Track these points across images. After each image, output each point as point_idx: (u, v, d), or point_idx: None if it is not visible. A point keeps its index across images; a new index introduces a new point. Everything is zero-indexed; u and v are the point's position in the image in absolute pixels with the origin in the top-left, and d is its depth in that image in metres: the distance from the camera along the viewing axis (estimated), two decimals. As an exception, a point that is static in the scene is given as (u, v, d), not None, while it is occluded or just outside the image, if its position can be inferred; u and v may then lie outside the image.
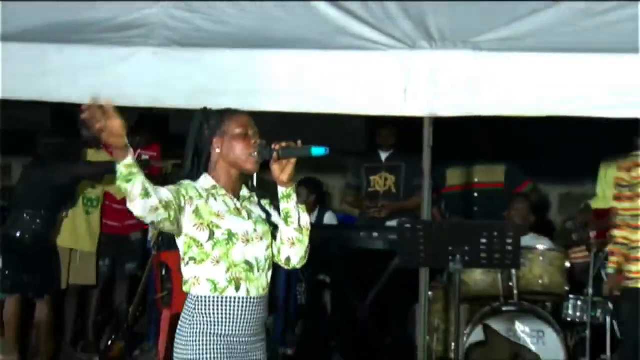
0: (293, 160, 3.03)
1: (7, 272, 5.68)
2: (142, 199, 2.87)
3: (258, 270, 3.11)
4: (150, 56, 4.71)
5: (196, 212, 3.06)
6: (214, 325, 3.06)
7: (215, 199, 3.08)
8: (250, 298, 3.10)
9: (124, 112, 2.79)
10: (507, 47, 4.48)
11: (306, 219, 3.14)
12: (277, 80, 4.65)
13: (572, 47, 4.39)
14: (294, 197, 3.10)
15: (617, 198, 4.88)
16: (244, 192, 3.19)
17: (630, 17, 4.47)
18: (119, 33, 4.85)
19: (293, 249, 3.15)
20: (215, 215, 3.07)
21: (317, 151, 2.99)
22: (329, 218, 6.72)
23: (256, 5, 4.92)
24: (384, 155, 6.35)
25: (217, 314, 3.07)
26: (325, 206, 6.97)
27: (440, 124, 4.65)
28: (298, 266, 3.21)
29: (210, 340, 3.07)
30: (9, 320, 5.79)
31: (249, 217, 3.11)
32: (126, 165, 2.83)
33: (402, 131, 6.21)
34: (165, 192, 2.97)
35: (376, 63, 4.61)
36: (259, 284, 3.11)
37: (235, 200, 3.13)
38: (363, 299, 5.77)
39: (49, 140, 5.95)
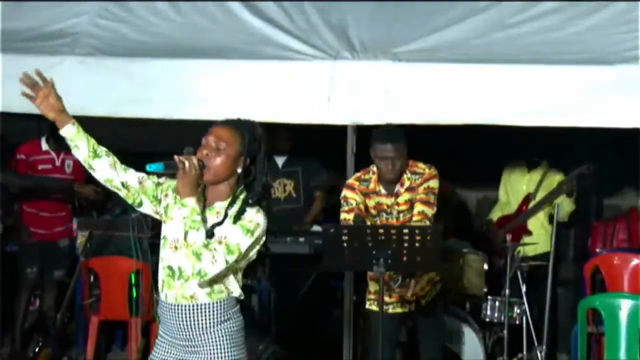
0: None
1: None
2: (92, 160, 3.17)
3: (179, 279, 3.15)
4: (76, 65, 4.74)
5: (165, 210, 3.23)
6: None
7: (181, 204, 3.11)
8: (169, 304, 3.17)
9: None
10: (425, 57, 4.63)
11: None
12: (203, 89, 4.72)
13: (485, 58, 4.57)
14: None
15: None
16: (221, 204, 3.18)
17: (540, 30, 4.68)
18: (46, 42, 4.86)
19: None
20: (169, 218, 3.20)
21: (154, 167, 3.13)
22: None
23: (182, 15, 4.99)
24: (280, 161, 6.42)
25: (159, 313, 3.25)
26: None
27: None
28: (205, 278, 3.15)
29: (158, 340, 3.26)
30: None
31: (196, 227, 3.06)
32: (67, 133, 3.11)
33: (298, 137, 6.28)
34: (133, 176, 3.23)
35: (301, 72, 4.72)
36: (179, 292, 3.15)
37: (200, 208, 3.13)
38: (291, 301, 5.85)
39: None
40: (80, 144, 3.21)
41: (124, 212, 6.04)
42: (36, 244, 6.35)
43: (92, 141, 3.22)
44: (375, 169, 4.61)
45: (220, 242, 3.08)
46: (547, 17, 4.73)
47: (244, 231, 3.10)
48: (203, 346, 3.18)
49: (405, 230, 4.16)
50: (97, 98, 4.74)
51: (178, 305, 3.16)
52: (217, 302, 3.17)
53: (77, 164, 6.44)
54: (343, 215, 4.56)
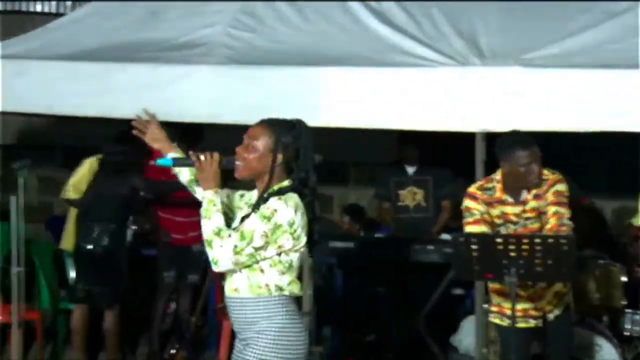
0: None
1: (79, 284, 5.86)
2: (195, 184, 3.36)
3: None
4: (208, 74, 4.86)
5: None
6: None
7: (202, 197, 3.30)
8: (226, 297, 3.28)
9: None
10: (557, 63, 4.51)
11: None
12: (330, 96, 4.75)
13: (620, 64, 4.41)
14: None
15: None
16: (252, 197, 3.33)
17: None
18: (180, 52, 5.02)
19: None
20: None
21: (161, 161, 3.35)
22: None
23: (311, 23, 5.04)
24: (410, 170, 6.36)
25: None
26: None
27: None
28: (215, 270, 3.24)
29: None
30: (77, 329, 5.96)
31: (208, 216, 3.22)
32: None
33: (430, 146, 6.20)
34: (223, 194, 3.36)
35: (428, 79, 4.69)
36: (228, 285, 3.25)
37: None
38: (418, 311, 5.81)
39: (113, 153, 6.08)
40: (183, 170, 3.41)
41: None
42: (173, 248, 6.52)
43: None
44: (498, 177, 4.46)
45: (236, 230, 3.17)
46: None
47: (260, 217, 3.14)
48: (249, 341, 3.22)
49: (538, 240, 4.06)
50: (227, 106, 4.85)
51: (229, 299, 3.25)
52: (258, 298, 3.20)
53: None
54: (469, 227, 4.42)
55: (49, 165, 7.83)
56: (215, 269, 3.18)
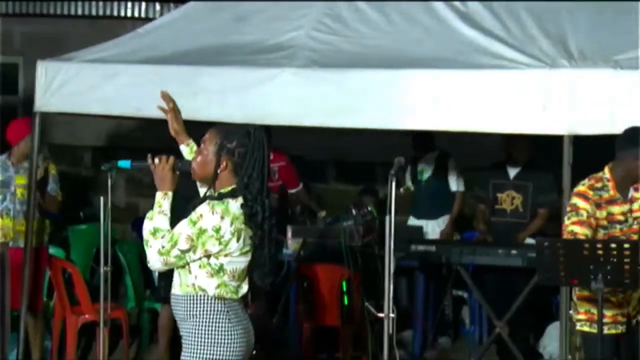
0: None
1: (163, 284, 5.96)
2: None
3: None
4: (292, 76, 4.88)
5: None
6: None
7: None
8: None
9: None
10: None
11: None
12: (415, 99, 4.72)
13: None
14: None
15: None
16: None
17: None
18: (265, 55, 5.06)
19: None
20: None
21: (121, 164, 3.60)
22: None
23: (395, 26, 5.03)
24: (512, 173, 6.27)
25: None
26: None
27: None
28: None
29: None
30: (163, 329, 6.07)
31: (149, 216, 3.35)
32: (182, 150, 3.64)
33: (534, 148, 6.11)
34: None
35: (515, 81, 4.62)
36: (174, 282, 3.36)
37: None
38: (500, 316, 5.73)
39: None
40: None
41: (336, 221, 6.16)
42: (273, 257, 6.56)
43: None
44: (607, 175, 4.36)
45: (170, 232, 3.27)
46: None
47: (188, 221, 3.26)
48: (183, 338, 3.33)
49: (627, 245, 3.96)
50: (311, 108, 4.87)
51: (172, 295, 3.38)
52: (186, 296, 3.30)
53: (282, 171, 6.63)
54: (572, 227, 4.32)
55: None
56: (150, 267, 3.33)
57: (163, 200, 3.34)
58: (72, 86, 5.29)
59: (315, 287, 5.98)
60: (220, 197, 3.29)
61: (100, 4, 8.58)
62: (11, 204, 5.85)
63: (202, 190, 3.51)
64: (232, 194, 3.29)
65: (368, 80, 4.78)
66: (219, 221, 3.23)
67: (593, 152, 4.30)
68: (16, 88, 9.10)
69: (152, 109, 5.09)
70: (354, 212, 6.03)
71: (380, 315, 4.31)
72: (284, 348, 6.56)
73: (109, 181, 4.17)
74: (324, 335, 6.48)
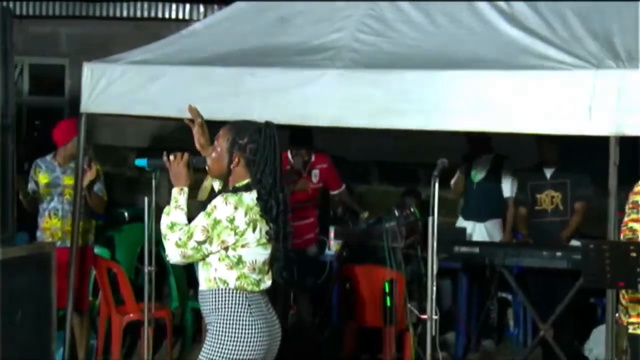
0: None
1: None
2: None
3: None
4: (336, 77, 4.88)
5: None
6: None
7: None
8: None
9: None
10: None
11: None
12: (458, 100, 4.69)
13: None
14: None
15: None
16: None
17: None
18: (308, 56, 5.06)
19: None
20: None
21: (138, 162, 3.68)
22: None
23: (439, 27, 5.00)
24: (548, 173, 6.23)
25: None
26: None
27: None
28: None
29: None
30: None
31: (166, 211, 3.46)
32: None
33: (566, 148, 6.06)
34: None
35: (560, 82, 4.57)
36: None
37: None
38: (545, 318, 5.68)
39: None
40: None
41: (378, 222, 6.15)
42: (289, 251, 6.58)
43: None
44: None
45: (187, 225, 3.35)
46: None
47: (203, 214, 3.34)
48: (208, 331, 3.40)
49: (674, 246, 3.90)
50: (355, 109, 4.86)
51: (199, 291, 3.45)
52: (210, 290, 3.37)
53: (323, 172, 6.64)
54: (631, 224, 4.24)
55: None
56: (169, 261, 3.40)
57: (179, 196, 3.43)
58: (117, 87, 5.35)
59: (358, 288, 5.97)
60: (235, 190, 3.38)
61: (145, 5, 8.66)
62: (59, 204, 5.93)
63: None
64: (246, 188, 3.38)
65: (411, 81, 4.76)
66: (233, 211, 3.31)
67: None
68: (63, 89, 9.23)
69: (195, 110, 5.17)
70: (396, 213, 6.01)
71: (423, 316, 4.30)
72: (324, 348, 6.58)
73: (153, 181, 4.21)
74: (367, 337, 6.48)
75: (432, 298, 4.21)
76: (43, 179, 5.97)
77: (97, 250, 6.33)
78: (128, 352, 6.35)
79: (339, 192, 6.95)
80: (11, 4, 8.57)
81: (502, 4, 5.02)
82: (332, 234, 6.55)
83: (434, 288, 4.23)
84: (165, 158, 3.52)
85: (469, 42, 4.90)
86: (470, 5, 5.06)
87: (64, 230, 5.87)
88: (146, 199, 4.60)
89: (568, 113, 4.56)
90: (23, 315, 4.47)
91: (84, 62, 5.49)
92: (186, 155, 3.50)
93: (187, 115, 4.95)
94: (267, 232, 3.36)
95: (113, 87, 5.35)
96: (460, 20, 5.01)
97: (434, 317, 4.19)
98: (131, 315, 6.00)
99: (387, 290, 5.75)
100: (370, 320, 5.95)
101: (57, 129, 6.03)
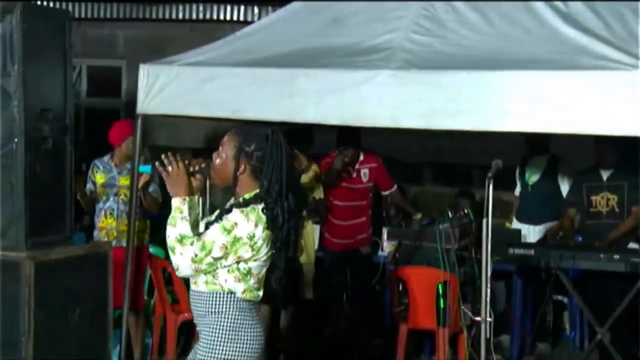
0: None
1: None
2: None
3: None
4: (389, 78, 4.86)
5: None
6: None
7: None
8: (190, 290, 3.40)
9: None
10: None
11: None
12: (514, 101, 4.64)
13: None
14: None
15: None
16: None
17: None
18: (361, 57, 5.05)
19: None
20: None
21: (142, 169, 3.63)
22: None
23: (494, 27, 4.95)
24: (605, 175, 6.13)
25: None
26: None
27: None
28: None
29: None
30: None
31: (172, 223, 3.34)
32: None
33: (625, 150, 5.96)
34: None
35: (618, 82, 4.49)
36: (190, 278, 3.36)
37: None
38: (601, 321, 5.60)
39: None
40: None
41: (431, 223, 6.12)
42: (342, 252, 6.59)
43: None
44: None
45: (198, 238, 3.25)
46: None
47: (221, 229, 3.24)
48: (201, 333, 3.33)
49: None
50: (408, 110, 4.83)
51: (190, 291, 3.39)
52: (211, 293, 3.29)
53: (373, 172, 6.62)
54: None
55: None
56: (177, 274, 3.32)
57: (183, 206, 3.32)
58: (173, 89, 5.40)
59: (411, 290, 5.95)
60: (247, 203, 3.30)
61: (200, 7, 8.75)
62: (115, 204, 6.02)
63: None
64: (258, 200, 3.30)
65: (465, 82, 4.72)
66: (254, 228, 3.26)
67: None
68: (119, 91, 9.36)
69: (249, 111, 5.20)
70: (450, 214, 5.98)
71: (477, 318, 4.27)
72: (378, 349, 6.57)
73: (207, 182, 4.24)
74: (420, 338, 6.45)
75: (486, 300, 4.18)
76: (100, 179, 6.06)
77: (152, 249, 6.40)
78: (183, 351, 6.40)
79: (390, 192, 6.92)
80: (70, 7, 8.72)
81: (558, 3, 4.95)
82: (385, 235, 6.52)
83: (488, 290, 4.20)
84: (160, 167, 3.36)
85: (525, 42, 4.84)
86: (526, 5, 5.00)
87: (119, 230, 5.95)
88: (200, 200, 4.64)
89: (627, 114, 4.48)
90: (80, 314, 4.52)
91: (140, 63, 5.55)
92: (182, 163, 3.34)
93: (242, 115, 4.97)
94: (272, 242, 3.31)
95: (168, 89, 5.40)
96: (516, 19, 4.95)
97: (488, 319, 4.15)
98: (186, 314, 6.04)
99: (440, 292, 5.72)
100: (423, 322, 5.92)
101: (113, 130, 6.13)
